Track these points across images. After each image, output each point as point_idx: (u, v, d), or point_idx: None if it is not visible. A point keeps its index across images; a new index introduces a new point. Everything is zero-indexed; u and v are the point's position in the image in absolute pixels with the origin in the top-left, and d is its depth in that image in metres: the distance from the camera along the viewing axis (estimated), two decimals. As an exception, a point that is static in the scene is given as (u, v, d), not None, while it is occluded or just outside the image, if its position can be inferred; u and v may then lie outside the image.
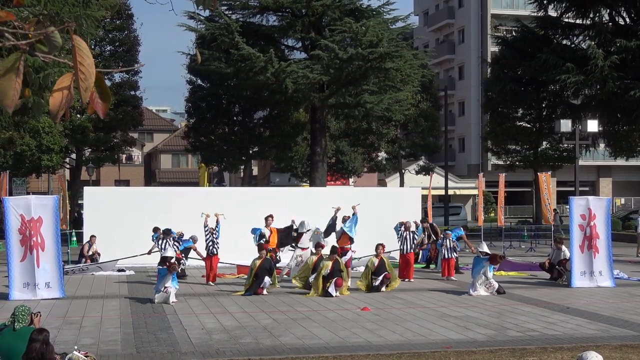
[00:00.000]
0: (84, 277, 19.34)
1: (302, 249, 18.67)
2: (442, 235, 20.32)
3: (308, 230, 18.78)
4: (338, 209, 19.27)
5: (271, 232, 18.81)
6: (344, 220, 19.05)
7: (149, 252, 19.02)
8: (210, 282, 17.86)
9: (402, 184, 46.15)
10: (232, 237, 19.91)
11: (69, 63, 2.50)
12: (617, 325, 12.50)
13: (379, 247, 17.19)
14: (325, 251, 17.08)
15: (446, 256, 19.25)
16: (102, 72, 2.53)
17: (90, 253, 21.76)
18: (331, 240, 18.85)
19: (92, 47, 37.01)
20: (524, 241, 30.23)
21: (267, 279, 16.13)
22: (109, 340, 11.14)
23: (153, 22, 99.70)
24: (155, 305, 14.55)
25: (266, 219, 19.17)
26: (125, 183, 59.28)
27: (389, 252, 18.76)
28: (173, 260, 15.67)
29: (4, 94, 2.37)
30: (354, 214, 18.92)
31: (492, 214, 46.60)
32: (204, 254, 18.30)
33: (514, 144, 42.11)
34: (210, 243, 18.11)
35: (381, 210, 21.64)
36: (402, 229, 19.17)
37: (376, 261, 16.88)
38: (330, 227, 19.47)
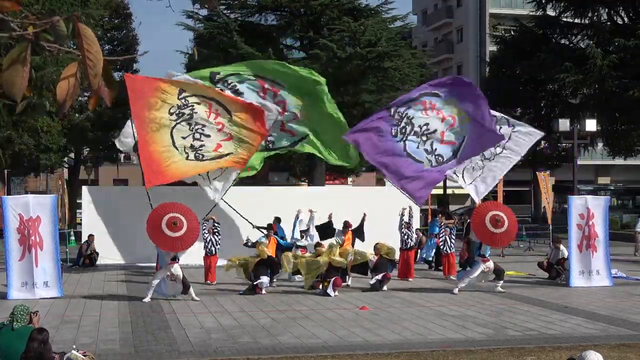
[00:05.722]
0: (82, 276, 19.33)
1: (302, 249, 18.65)
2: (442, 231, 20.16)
3: (307, 230, 18.82)
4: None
5: (269, 241, 18.51)
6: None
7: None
8: (209, 282, 17.85)
9: (400, 184, 46.07)
10: (230, 237, 19.91)
11: (75, 52, 2.50)
12: (615, 325, 12.50)
13: (378, 246, 17.21)
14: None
15: (446, 252, 19.21)
16: (107, 60, 2.53)
17: (89, 252, 21.77)
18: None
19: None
20: (522, 240, 30.21)
21: (265, 279, 16.12)
22: (107, 340, 11.14)
23: (151, 21, 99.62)
24: (153, 304, 14.55)
25: (269, 226, 19.04)
26: (124, 182, 59.19)
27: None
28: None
29: (12, 83, 2.38)
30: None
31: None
32: (202, 253, 18.29)
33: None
34: (210, 243, 18.10)
35: (380, 209, 21.59)
36: (403, 226, 19.15)
37: (374, 259, 16.89)
38: (327, 229, 19.56)
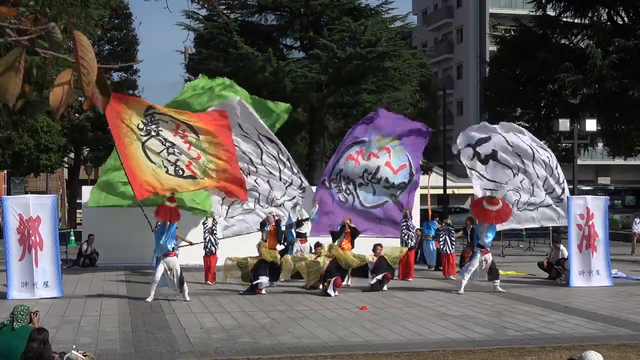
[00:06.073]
0: (82, 276, 19.34)
1: (302, 240, 18.66)
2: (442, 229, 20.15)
3: (307, 219, 18.81)
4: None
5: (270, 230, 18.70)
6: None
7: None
8: (209, 282, 17.85)
9: (400, 183, 46.14)
10: (230, 237, 19.91)
11: (69, 59, 2.49)
12: (615, 325, 12.50)
13: (377, 247, 17.20)
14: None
15: (447, 252, 19.21)
16: (103, 67, 2.52)
17: (89, 252, 21.78)
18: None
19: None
20: (522, 240, 30.21)
21: (264, 279, 16.10)
22: (107, 340, 11.13)
23: (151, 21, 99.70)
24: (153, 304, 14.55)
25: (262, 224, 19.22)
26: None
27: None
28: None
29: (4, 88, 2.38)
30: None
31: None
32: (202, 253, 18.28)
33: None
34: (210, 243, 18.10)
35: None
36: (404, 225, 19.15)
37: (374, 260, 16.88)
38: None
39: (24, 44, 2.42)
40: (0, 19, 2.40)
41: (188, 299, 14.96)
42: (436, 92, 50.45)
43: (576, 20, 38.20)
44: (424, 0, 69.03)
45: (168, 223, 15.37)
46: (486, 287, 16.62)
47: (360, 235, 18.02)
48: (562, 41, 39.15)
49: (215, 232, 18.18)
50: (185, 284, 15.14)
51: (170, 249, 15.19)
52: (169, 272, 15.06)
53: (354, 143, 19.74)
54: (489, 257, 16.52)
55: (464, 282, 16.33)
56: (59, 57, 2.58)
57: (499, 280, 16.60)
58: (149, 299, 14.90)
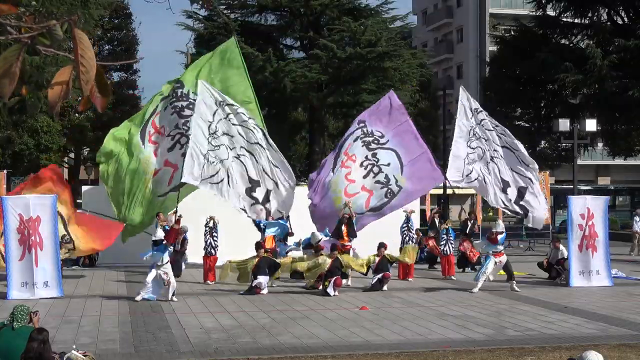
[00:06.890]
0: (82, 276, 19.33)
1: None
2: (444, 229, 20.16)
3: (320, 240, 18.54)
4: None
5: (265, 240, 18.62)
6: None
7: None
8: (209, 281, 17.85)
9: (400, 184, 46.17)
10: (231, 236, 19.91)
11: (69, 56, 2.49)
12: (615, 325, 12.50)
13: (381, 247, 17.18)
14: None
15: (446, 253, 19.22)
16: (102, 65, 2.51)
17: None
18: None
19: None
20: (522, 240, 30.22)
21: (263, 279, 16.09)
22: (107, 340, 11.14)
23: (152, 21, 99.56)
24: (153, 304, 14.55)
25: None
26: (124, 182, 59.23)
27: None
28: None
29: (1, 84, 2.37)
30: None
31: (491, 213, 46.57)
32: (202, 253, 18.28)
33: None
34: (210, 245, 18.10)
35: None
36: (405, 226, 19.15)
37: (377, 260, 16.88)
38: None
39: (25, 41, 2.42)
40: (1, 17, 2.40)
41: (175, 299, 15.00)
42: (436, 92, 50.42)
43: (576, 20, 38.17)
44: (424, 0, 69.03)
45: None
46: (486, 287, 16.61)
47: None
48: (562, 41, 39.12)
49: (215, 233, 18.18)
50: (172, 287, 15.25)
51: (163, 262, 15.28)
52: (162, 278, 15.10)
53: (348, 136, 19.28)
54: (503, 259, 16.71)
55: (479, 285, 16.46)
56: (59, 56, 2.59)
57: (514, 281, 16.86)
58: (138, 298, 14.93)
